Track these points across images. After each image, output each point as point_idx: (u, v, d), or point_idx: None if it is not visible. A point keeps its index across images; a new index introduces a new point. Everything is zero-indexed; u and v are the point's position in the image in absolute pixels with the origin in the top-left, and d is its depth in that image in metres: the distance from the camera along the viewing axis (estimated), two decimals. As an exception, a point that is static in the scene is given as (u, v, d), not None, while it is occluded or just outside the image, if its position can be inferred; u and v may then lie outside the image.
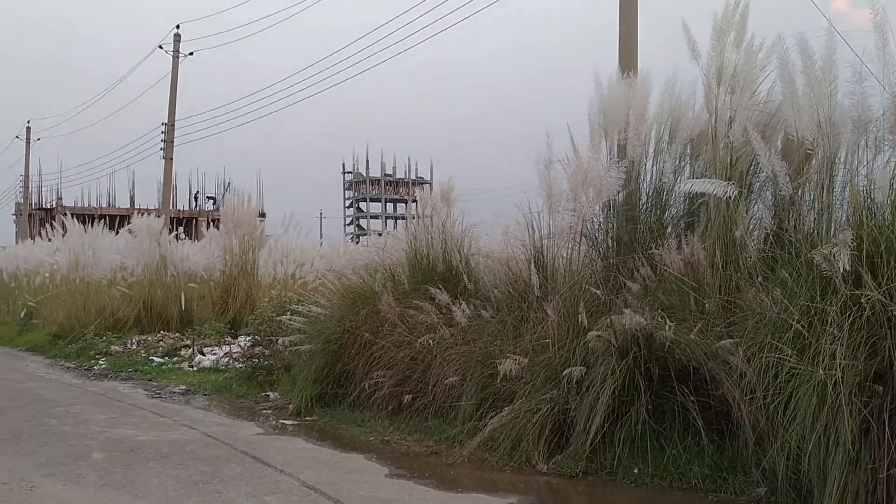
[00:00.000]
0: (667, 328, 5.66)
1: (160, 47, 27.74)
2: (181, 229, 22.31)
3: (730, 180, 5.71)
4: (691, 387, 5.73)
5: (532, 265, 7.28)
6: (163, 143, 27.36)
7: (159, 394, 10.74)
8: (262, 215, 45.17)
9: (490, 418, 6.55)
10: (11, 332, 21.08)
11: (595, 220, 7.21)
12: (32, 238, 30.80)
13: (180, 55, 27.66)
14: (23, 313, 21.23)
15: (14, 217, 53.00)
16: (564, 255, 7.24)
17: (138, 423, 8.40)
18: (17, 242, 36.15)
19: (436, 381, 7.53)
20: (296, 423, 8.51)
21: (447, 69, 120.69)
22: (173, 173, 29.59)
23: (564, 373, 6.07)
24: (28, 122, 44.45)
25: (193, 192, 55.61)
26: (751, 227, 6.17)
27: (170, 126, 27.19)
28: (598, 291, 6.51)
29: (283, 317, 9.72)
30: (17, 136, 44.96)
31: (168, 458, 6.70)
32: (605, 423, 5.85)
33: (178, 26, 27.89)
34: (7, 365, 15.11)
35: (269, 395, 10.03)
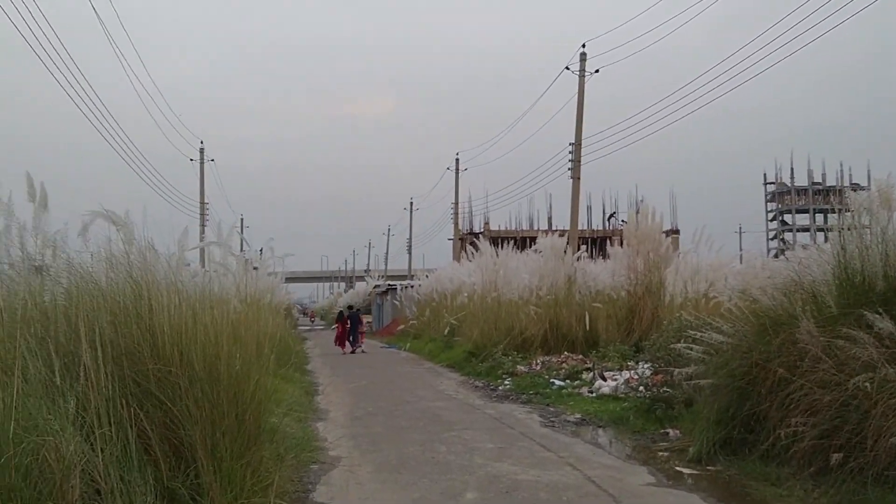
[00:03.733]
0: None
1: (567, 68, 28.03)
2: (583, 248, 21.87)
3: None
4: None
5: None
6: (570, 162, 27.52)
7: (552, 422, 10.12)
8: (675, 231, 43.69)
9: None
10: (437, 348, 22.58)
11: None
12: (459, 260, 33.18)
13: (586, 74, 27.65)
14: (446, 331, 22.69)
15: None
16: None
17: (521, 458, 7.78)
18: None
19: (877, 437, 5.68)
20: (695, 472, 7.17)
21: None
22: (587, 193, 29.79)
23: None
24: (457, 154, 48.53)
25: (607, 210, 56.01)
26: None
27: (577, 145, 27.26)
28: None
29: (679, 345, 8.40)
30: (448, 168, 49.33)
31: (540, 508, 5.91)
32: None
33: (583, 45, 27.97)
34: (425, 382, 15.91)
35: (667, 433, 8.79)
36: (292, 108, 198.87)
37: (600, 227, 53.95)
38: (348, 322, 27.29)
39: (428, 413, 11.02)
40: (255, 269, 24.93)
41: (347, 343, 26.81)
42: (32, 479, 3.61)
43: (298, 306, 71.95)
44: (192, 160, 41.53)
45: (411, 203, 63.58)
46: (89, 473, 4.33)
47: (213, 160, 42.87)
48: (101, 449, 4.43)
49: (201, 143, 42.19)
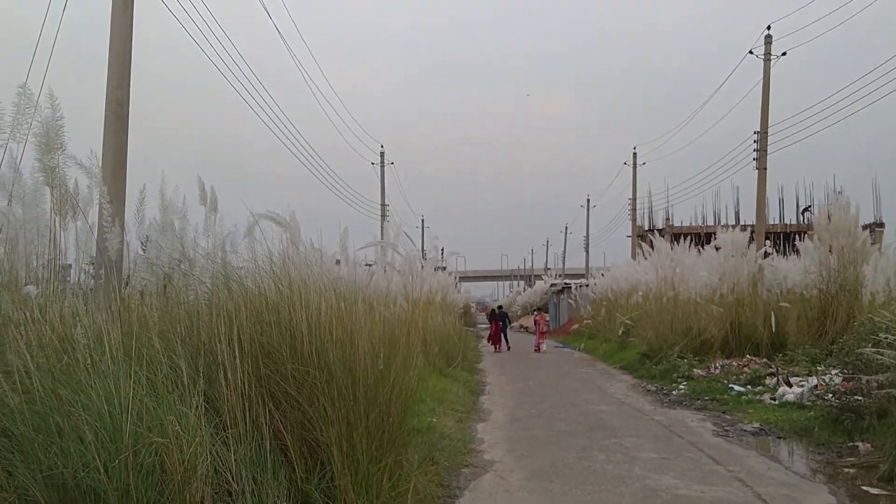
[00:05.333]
0: None
1: (750, 52, 26.27)
2: (768, 244, 20.29)
3: None
4: None
5: None
6: (755, 152, 25.79)
7: (727, 431, 9.36)
8: (879, 225, 39.88)
9: None
10: (611, 349, 21.87)
11: None
12: (635, 258, 32.08)
13: (772, 58, 25.80)
14: (620, 331, 21.92)
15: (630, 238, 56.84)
16: None
17: (685, 470, 7.20)
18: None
19: None
20: (885, 492, 6.32)
21: None
22: (777, 185, 27.73)
23: None
24: (634, 148, 47.00)
25: (801, 203, 52.18)
26: None
27: (762, 134, 25.47)
28: None
29: (867, 349, 7.46)
30: (626, 163, 47.89)
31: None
32: None
33: (768, 27, 26.08)
34: (594, 384, 15.37)
35: (856, 447, 7.87)
36: (473, 109, 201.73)
37: (793, 222, 50.31)
38: (500, 321, 27.56)
39: (591, 417, 10.55)
40: (442, 269, 25.53)
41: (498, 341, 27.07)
42: (154, 479, 3.64)
43: (480, 305, 72.67)
44: (373, 164, 42.94)
45: (588, 200, 62.27)
46: (221, 474, 4.36)
47: (392, 163, 44.11)
48: (234, 449, 4.45)
49: (381, 146, 43.45)
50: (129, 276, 7.20)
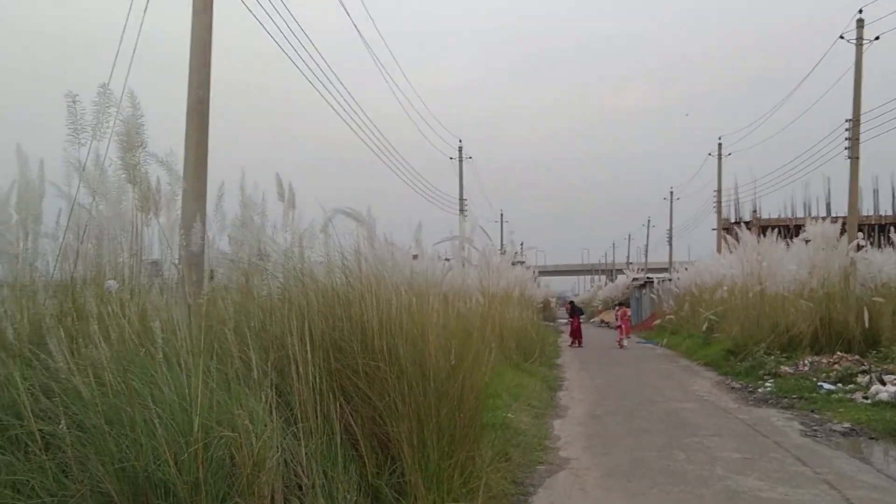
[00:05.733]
0: None
1: (841, 37, 25.20)
2: (860, 236, 19.39)
3: None
4: None
5: None
6: (847, 140, 24.72)
7: (815, 431, 8.98)
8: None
9: None
10: (695, 344, 21.32)
11: None
12: (720, 251, 31.20)
13: (864, 42, 24.68)
14: (704, 326, 21.34)
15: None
16: None
17: (770, 472, 6.93)
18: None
19: None
20: None
21: None
22: (871, 175, 26.51)
23: None
24: (719, 138, 45.72)
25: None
26: None
27: (854, 122, 24.39)
28: None
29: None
30: (710, 154, 46.64)
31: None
32: None
33: (860, 10, 24.98)
34: (676, 380, 15.00)
35: (957, 451, 7.44)
36: (552, 104, 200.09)
37: (888, 213, 48.04)
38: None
39: (673, 415, 10.29)
40: (520, 263, 25.44)
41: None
42: (224, 472, 3.68)
43: (561, 300, 72.02)
44: (451, 159, 43.03)
45: (671, 192, 60.96)
46: (292, 468, 4.39)
47: (470, 158, 44.11)
48: (305, 443, 4.47)
49: (460, 141, 43.51)
50: (212, 270, 7.38)
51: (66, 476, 3.38)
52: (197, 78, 9.48)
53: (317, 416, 4.77)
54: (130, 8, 8.75)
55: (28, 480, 3.29)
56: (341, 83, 31.79)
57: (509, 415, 9.13)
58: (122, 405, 3.40)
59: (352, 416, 5.03)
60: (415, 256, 7.85)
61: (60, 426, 3.23)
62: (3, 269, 5.80)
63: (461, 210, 40.42)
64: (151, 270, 6.93)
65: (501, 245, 29.71)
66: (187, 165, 9.07)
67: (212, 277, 7.24)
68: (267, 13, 12.35)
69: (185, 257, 8.27)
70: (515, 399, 10.30)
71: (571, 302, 30.76)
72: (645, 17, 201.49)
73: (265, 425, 3.97)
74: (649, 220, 73.12)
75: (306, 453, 4.45)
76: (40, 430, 3.38)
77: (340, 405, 4.96)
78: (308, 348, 4.93)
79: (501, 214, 62.49)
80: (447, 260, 10.00)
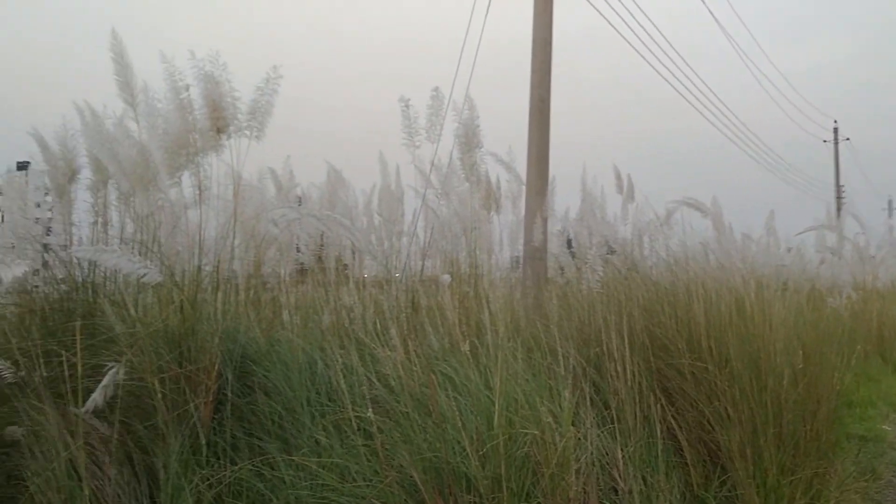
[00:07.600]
0: None
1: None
2: None
3: None
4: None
5: None
6: None
7: None
8: None
9: None
10: None
11: None
12: None
13: None
14: None
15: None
16: None
17: None
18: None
19: None
20: None
21: None
22: None
23: None
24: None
25: None
26: None
27: None
28: None
29: None
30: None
31: None
32: None
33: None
34: None
35: None
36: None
37: None
38: None
39: None
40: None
41: None
42: (528, 470, 3.65)
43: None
44: (825, 141, 39.04)
45: None
46: (608, 471, 4.24)
47: (847, 139, 39.61)
48: (623, 446, 4.29)
49: (835, 122, 39.33)
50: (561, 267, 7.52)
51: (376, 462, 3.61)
52: (538, 77, 9.74)
53: (635, 417, 4.57)
54: (472, 11, 9.25)
55: (347, 464, 3.57)
56: (695, 73, 30.49)
57: (885, 426, 8.02)
58: (433, 394, 3.55)
59: (675, 419, 4.74)
60: (789, 249, 7.39)
61: (368, 412, 3.46)
62: (373, 267, 6.44)
63: (838, 197, 36.48)
64: (508, 264, 7.25)
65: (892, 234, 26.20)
66: (530, 162, 9.38)
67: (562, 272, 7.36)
68: (613, 9, 12.25)
69: (526, 252, 8.55)
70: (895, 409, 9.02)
71: None
72: None
73: (572, 424, 3.88)
74: None
75: (623, 456, 4.27)
76: (357, 417, 3.66)
77: (662, 407, 4.69)
78: (626, 344, 4.75)
79: (889, 202, 55.30)
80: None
